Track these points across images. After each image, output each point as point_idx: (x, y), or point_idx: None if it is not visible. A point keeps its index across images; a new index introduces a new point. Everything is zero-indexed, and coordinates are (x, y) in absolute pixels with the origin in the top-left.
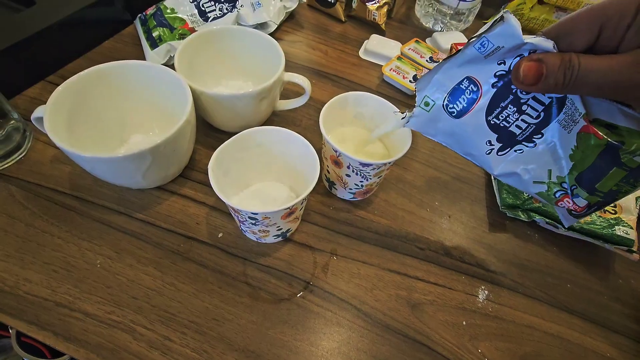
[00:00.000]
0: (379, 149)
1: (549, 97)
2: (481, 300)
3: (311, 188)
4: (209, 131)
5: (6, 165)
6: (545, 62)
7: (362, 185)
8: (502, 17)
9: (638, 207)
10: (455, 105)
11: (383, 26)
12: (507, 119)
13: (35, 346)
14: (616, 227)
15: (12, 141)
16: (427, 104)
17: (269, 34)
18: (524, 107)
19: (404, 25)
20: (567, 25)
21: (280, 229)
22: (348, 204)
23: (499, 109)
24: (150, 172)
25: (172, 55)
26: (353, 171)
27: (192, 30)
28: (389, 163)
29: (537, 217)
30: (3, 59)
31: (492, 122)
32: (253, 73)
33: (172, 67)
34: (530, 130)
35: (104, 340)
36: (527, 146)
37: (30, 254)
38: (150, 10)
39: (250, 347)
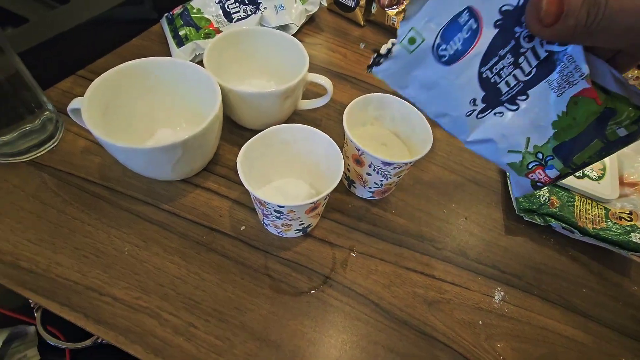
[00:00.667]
0: (399, 149)
1: (546, 50)
2: (497, 301)
3: (335, 184)
4: (233, 128)
5: (39, 154)
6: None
7: (381, 185)
8: None
9: None
10: (448, 47)
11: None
12: (501, 72)
13: (56, 335)
14: (632, 234)
15: (46, 131)
16: (412, 41)
17: None
18: (521, 59)
19: None
20: None
21: (302, 224)
22: (366, 203)
23: (497, 57)
24: (180, 164)
25: (197, 53)
26: (374, 170)
27: (217, 31)
28: (410, 163)
29: (554, 222)
30: (38, 53)
31: (484, 74)
32: (276, 73)
33: (199, 64)
34: (517, 89)
35: (132, 324)
36: (509, 109)
37: (62, 239)
38: (177, 10)
39: (271, 337)
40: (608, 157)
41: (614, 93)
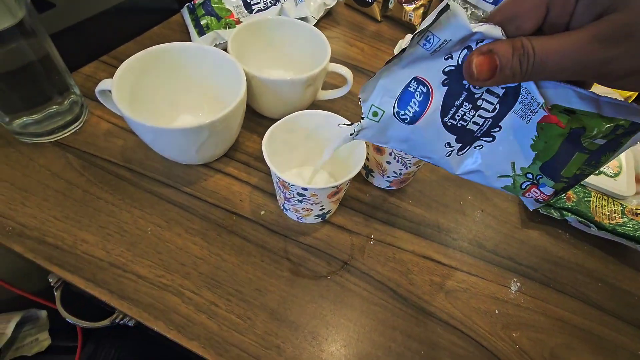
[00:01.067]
0: None
1: (502, 88)
2: (513, 292)
3: (358, 168)
4: (252, 116)
5: (64, 135)
6: (497, 53)
7: (400, 174)
8: (447, 6)
9: None
10: (407, 111)
11: (418, 27)
12: (464, 117)
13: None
14: None
15: (72, 113)
16: (375, 114)
17: None
18: (480, 102)
19: None
20: (510, 7)
21: (323, 209)
22: (384, 192)
23: (454, 108)
24: (204, 147)
25: (217, 42)
26: (394, 158)
27: (237, 21)
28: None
29: (570, 216)
30: (63, 38)
31: (448, 123)
32: (294, 63)
33: None
34: (488, 124)
35: (155, 301)
36: (486, 141)
37: (87, 218)
38: (198, 0)
39: (290, 318)
40: (623, 155)
41: (579, 112)
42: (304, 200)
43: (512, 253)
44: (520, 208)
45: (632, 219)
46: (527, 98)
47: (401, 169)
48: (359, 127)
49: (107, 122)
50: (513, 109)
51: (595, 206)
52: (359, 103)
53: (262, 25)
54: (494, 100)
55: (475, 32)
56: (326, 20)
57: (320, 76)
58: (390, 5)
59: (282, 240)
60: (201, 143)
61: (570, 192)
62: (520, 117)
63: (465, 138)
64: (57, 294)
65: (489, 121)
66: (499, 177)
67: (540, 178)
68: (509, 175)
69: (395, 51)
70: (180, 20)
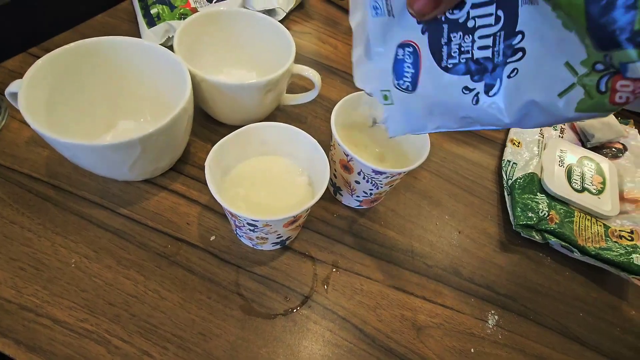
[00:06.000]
0: (392, 156)
1: None
2: (490, 326)
3: (319, 195)
4: (206, 122)
5: None
6: None
7: (371, 194)
8: None
9: None
10: (404, 79)
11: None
12: (462, 49)
13: None
14: (633, 255)
15: None
16: (386, 98)
17: None
18: (469, 23)
19: None
20: None
21: (280, 237)
22: (353, 212)
23: (444, 46)
24: (139, 164)
25: (170, 35)
26: (364, 178)
27: (194, 10)
28: (404, 172)
29: (552, 240)
30: None
31: (449, 65)
32: (258, 63)
33: (170, 48)
34: (502, 40)
35: (74, 352)
36: (515, 60)
37: None
38: None
39: None
40: (607, 171)
41: None
42: (256, 230)
43: (490, 281)
44: (500, 229)
45: (616, 242)
46: None
47: (372, 189)
48: (383, 118)
49: (31, 129)
50: (519, 1)
51: (579, 227)
52: (368, 94)
53: (217, 17)
54: (490, 9)
55: None
56: (297, 13)
57: (283, 80)
58: None
59: (234, 272)
60: (134, 160)
61: (553, 213)
62: (530, 2)
63: (483, 71)
64: None
65: (500, 35)
66: (561, 94)
67: (610, 58)
68: (574, 84)
69: None
70: (129, 8)
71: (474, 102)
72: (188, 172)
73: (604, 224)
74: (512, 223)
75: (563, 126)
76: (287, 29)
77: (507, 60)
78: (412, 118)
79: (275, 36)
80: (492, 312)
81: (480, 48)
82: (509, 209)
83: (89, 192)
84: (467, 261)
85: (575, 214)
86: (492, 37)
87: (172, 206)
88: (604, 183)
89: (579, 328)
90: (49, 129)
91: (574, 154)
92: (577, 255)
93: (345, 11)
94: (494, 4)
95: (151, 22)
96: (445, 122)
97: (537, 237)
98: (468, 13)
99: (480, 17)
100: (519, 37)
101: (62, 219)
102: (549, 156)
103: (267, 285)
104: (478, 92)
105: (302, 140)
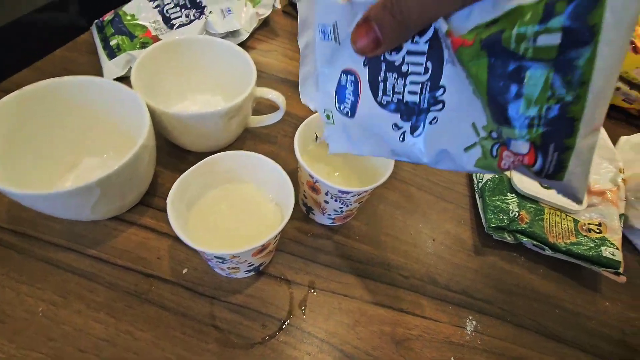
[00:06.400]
0: (360, 171)
1: (425, 42)
2: (469, 333)
3: (285, 221)
4: (174, 150)
5: None
6: (371, 17)
7: (341, 211)
8: None
9: (622, 226)
10: (345, 104)
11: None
12: (395, 89)
13: None
14: (602, 248)
15: None
16: (328, 117)
17: (240, 43)
18: (403, 68)
19: None
20: None
21: (252, 265)
22: (327, 230)
23: (380, 83)
24: (101, 205)
25: (132, 66)
26: (332, 198)
27: (155, 39)
28: (371, 189)
29: (524, 239)
30: None
31: (383, 102)
32: (223, 87)
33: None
34: (428, 89)
35: None
36: (436, 110)
37: None
38: (107, 17)
39: None
40: None
41: (498, 18)
42: (225, 262)
43: (466, 286)
44: (474, 233)
45: (586, 236)
46: (444, 40)
47: (341, 207)
48: (324, 135)
49: None
50: (445, 59)
51: (549, 224)
52: (312, 110)
53: (175, 46)
54: (421, 59)
55: (351, 2)
56: (262, 31)
57: (246, 105)
58: None
59: (208, 304)
60: (94, 202)
61: (523, 212)
62: (452, 64)
63: (411, 114)
64: None
65: (427, 85)
66: (466, 149)
67: (501, 132)
68: (476, 143)
69: None
70: (90, 40)
71: (400, 139)
72: (157, 205)
73: (574, 218)
74: (484, 226)
75: None
76: (252, 48)
77: (430, 109)
78: (350, 140)
79: (237, 61)
80: (470, 317)
81: (410, 92)
82: (480, 212)
83: (54, 236)
84: (442, 268)
85: (545, 211)
86: (420, 85)
87: (142, 241)
88: None
89: (556, 325)
90: (2, 180)
91: None
92: (548, 252)
93: None
94: (425, 56)
95: (111, 53)
96: (378, 151)
97: (509, 239)
98: (403, 58)
99: (412, 64)
100: (442, 90)
101: (27, 267)
102: None
103: (243, 314)
104: (405, 131)
105: (266, 167)
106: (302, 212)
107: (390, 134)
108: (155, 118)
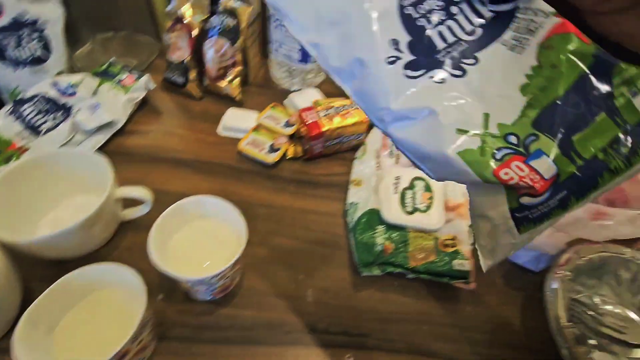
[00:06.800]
0: (227, 245)
1: (490, 10)
2: None
3: (135, 325)
4: (48, 263)
5: None
6: None
7: (215, 289)
8: None
9: (472, 237)
10: None
11: (238, 98)
12: (429, 15)
13: None
14: (454, 262)
15: None
16: None
17: (120, 129)
18: (453, 9)
19: (264, 89)
20: None
21: None
22: (210, 304)
23: None
24: None
25: None
26: (193, 285)
27: (23, 150)
28: (228, 267)
29: (390, 269)
30: None
31: (406, 9)
32: (92, 188)
33: None
34: (460, 49)
35: None
36: (453, 75)
37: None
38: None
39: None
40: (435, 184)
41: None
42: None
43: (345, 325)
44: (350, 270)
45: (443, 252)
46: (525, 16)
47: (211, 287)
48: None
49: None
50: (501, 38)
51: (414, 247)
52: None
53: (30, 166)
54: (476, 21)
55: None
56: (142, 112)
57: (105, 210)
58: (205, 83)
59: None
60: None
61: (387, 243)
62: (511, 47)
63: (422, 50)
64: None
65: (461, 44)
66: (458, 130)
67: (532, 140)
68: (477, 134)
69: (220, 129)
70: None
71: (388, 61)
72: None
73: (435, 237)
74: (356, 264)
75: (397, 151)
76: (132, 132)
77: (446, 68)
78: (318, 18)
79: (94, 167)
80: (348, 355)
81: (438, 33)
82: (353, 251)
83: None
84: (323, 314)
85: (409, 235)
86: (455, 39)
87: None
88: (431, 198)
89: (425, 341)
90: None
91: (407, 177)
92: (411, 275)
93: (190, 97)
94: (482, 24)
95: None
96: (332, 51)
97: (377, 272)
98: (460, 2)
99: (464, 16)
100: (473, 60)
101: None
102: (385, 186)
103: None
104: (399, 58)
105: (122, 277)
106: (183, 294)
107: (378, 43)
108: (13, 248)
